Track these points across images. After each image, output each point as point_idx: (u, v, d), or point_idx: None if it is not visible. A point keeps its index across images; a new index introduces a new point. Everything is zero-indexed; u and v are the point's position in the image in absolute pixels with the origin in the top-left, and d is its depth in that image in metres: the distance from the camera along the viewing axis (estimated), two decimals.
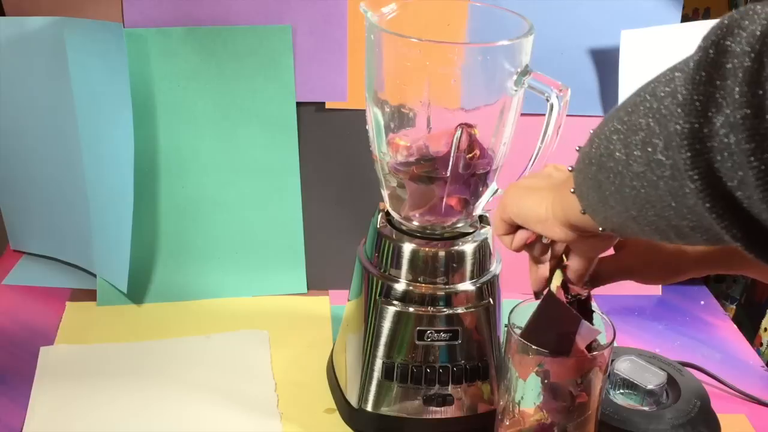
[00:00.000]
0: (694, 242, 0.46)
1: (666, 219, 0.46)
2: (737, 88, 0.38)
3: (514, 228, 0.65)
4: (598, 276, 0.68)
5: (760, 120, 0.37)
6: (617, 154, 0.48)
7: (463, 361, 0.78)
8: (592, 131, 0.55)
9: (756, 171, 0.38)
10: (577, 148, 0.56)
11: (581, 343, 0.67)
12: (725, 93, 0.39)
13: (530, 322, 0.68)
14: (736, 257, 0.64)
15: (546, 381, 0.67)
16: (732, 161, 0.39)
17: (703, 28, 1.21)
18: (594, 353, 0.67)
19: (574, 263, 0.65)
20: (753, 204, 0.39)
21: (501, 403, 0.73)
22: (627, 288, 0.83)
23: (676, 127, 0.41)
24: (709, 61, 0.40)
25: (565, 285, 0.68)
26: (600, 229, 0.55)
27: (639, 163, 0.45)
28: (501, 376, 0.75)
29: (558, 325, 0.67)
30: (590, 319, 0.68)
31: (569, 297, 0.67)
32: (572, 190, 0.55)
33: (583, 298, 0.68)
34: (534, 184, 0.63)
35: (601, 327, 0.69)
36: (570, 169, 0.58)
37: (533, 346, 0.66)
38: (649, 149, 0.44)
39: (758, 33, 0.38)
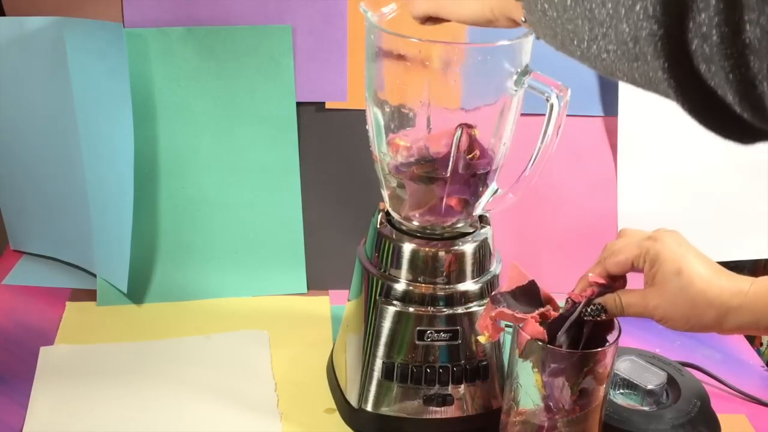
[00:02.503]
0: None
1: (632, 83, 0.45)
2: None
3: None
4: (622, 308, 0.67)
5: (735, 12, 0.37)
6: (579, 22, 0.46)
7: (463, 361, 0.78)
8: None
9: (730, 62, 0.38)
10: None
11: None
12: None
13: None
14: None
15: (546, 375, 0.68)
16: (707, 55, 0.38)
17: None
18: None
19: None
20: (718, 86, 0.39)
21: (505, 402, 0.73)
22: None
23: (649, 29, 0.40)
24: None
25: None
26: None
27: (607, 41, 0.44)
28: (506, 376, 0.74)
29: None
30: (601, 342, 0.69)
31: (588, 313, 0.67)
32: (523, 19, 0.55)
33: (596, 318, 0.68)
34: None
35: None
36: None
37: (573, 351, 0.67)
38: (619, 35, 0.43)
39: None
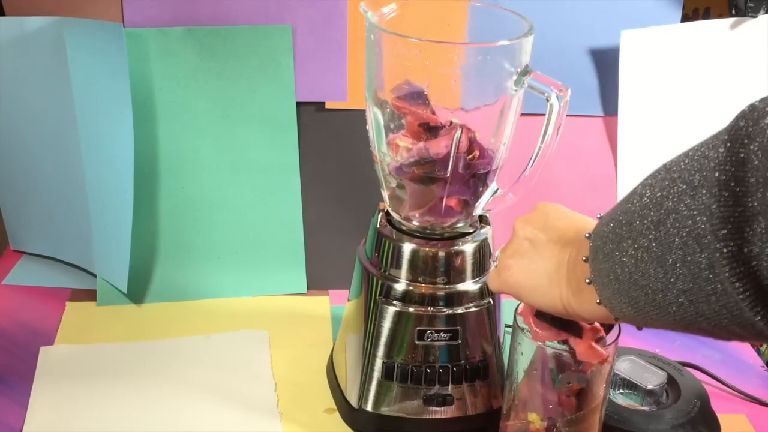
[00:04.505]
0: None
1: (716, 327, 0.46)
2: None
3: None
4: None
5: None
6: (652, 271, 0.47)
7: (463, 361, 0.78)
8: (592, 235, 0.55)
9: None
10: (587, 236, 0.56)
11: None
12: (756, 210, 0.39)
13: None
14: None
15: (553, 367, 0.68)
16: None
17: (702, 28, 1.20)
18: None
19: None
20: None
21: (505, 402, 0.73)
22: None
23: (715, 248, 0.42)
24: (731, 177, 0.40)
25: None
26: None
27: (683, 281, 0.45)
28: (506, 376, 0.74)
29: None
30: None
31: None
32: (598, 301, 0.55)
33: None
34: (531, 266, 0.63)
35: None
36: (584, 259, 0.56)
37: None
38: (693, 268, 0.44)
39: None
